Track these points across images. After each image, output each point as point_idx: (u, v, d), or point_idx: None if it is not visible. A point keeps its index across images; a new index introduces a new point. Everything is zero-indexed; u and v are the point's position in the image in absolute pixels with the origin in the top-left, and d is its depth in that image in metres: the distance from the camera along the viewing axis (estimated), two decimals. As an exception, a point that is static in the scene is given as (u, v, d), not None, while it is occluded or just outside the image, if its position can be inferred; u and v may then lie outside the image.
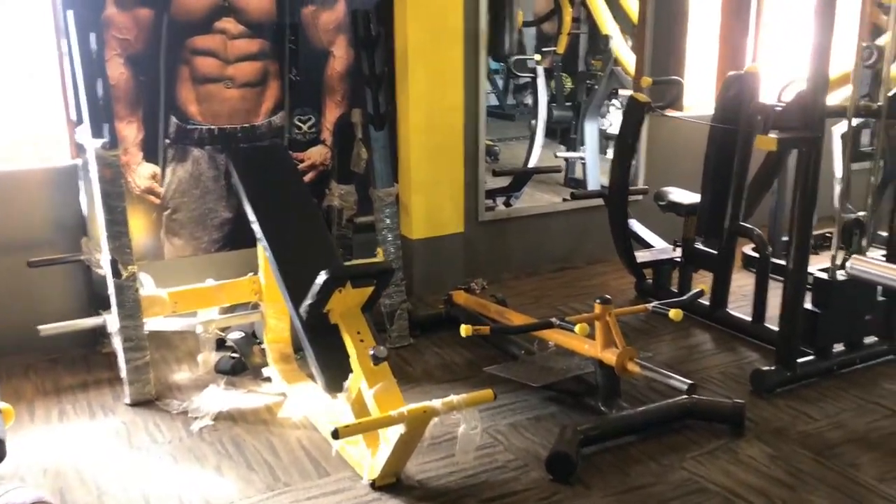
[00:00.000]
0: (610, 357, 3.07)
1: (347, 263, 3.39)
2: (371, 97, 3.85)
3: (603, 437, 2.99)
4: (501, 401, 3.28)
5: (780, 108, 3.49)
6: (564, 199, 5.32)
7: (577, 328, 2.97)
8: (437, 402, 2.58)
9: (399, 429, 2.57)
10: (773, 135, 3.26)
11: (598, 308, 3.14)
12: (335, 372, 2.86)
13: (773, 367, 3.48)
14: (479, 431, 2.64)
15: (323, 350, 2.92)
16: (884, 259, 3.73)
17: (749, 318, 4.02)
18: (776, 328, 3.63)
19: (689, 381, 2.96)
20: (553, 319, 3.13)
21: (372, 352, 2.71)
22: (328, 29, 4.15)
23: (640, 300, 4.45)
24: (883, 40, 4.49)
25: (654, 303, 3.30)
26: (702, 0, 5.19)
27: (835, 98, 3.99)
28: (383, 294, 3.74)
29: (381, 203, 3.89)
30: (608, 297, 3.17)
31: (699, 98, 5.09)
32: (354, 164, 4.00)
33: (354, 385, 2.79)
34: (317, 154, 4.25)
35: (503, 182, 5.79)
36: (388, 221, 3.90)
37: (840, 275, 3.55)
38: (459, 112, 4.41)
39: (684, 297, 3.52)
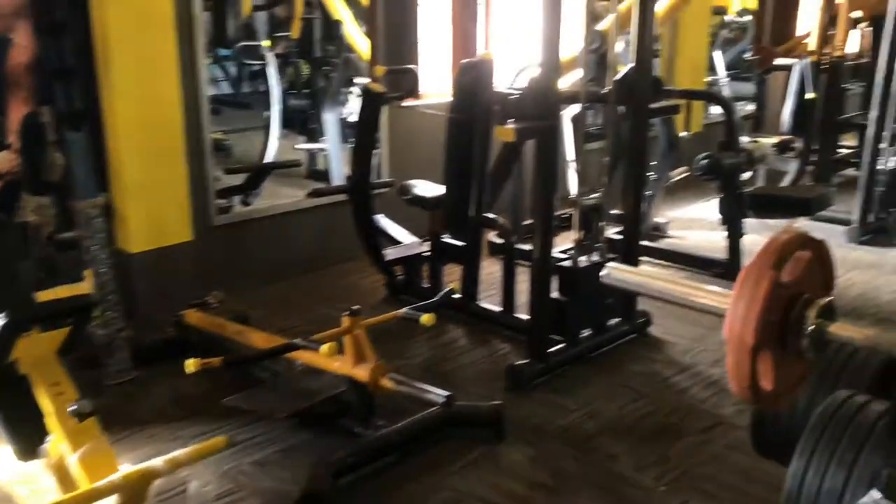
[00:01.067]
0: (362, 374, 2.81)
1: (43, 297, 2.81)
2: (63, 93, 3.26)
3: (360, 464, 2.73)
4: (244, 434, 2.91)
5: (515, 96, 3.41)
6: (308, 195, 4.98)
7: (322, 348, 2.67)
8: (158, 462, 2.17)
9: (113, 499, 2.12)
10: (510, 125, 3.15)
11: (346, 321, 2.86)
12: (27, 434, 2.34)
13: (526, 361, 3.41)
14: (213, 489, 2.26)
15: (10, 408, 2.37)
16: (620, 236, 3.83)
17: (500, 309, 3.96)
18: (526, 316, 3.58)
19: (446, 393, 2.77)
20: (297, 340, 2.81)
21: (73, 407, 2.22)
22: (4, 12, 3.46)
23: (391, 298, 4.26)
24: (604, 25, 4.61)
25: (405, 308, 3.09)
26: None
27: (565, 81, 4.01)
28: (96, 323, 3.23)
29: (86, 216, 3.32)
30: (357, 307, 2.90)
31: (438, 85, 4.97)
32: (48, 172, 3.38)
33: (55, 448, 2.29)
34: (2, 161, 3.55)
35: (240, 179, 5.34)
36: (96, 237, 3.33)
37: (582, 261, 3.56)
38: (177, 106, 3.91)
39: (435, 299, 3.35)
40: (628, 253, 3.85)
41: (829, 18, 6.68)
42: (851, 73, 6.71)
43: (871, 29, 6.60)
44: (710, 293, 1.44)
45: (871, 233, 5.37)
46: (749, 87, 8.07)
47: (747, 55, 8.08)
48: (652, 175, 5.28)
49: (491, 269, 4.40)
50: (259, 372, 3.28)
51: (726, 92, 7.33)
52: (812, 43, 6.34)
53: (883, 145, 5.35)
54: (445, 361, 3.61)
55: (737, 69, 8.19)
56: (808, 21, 7.05)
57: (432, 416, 2.91)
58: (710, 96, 6.39)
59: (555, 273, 3.53)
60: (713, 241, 4.97)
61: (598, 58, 4.52)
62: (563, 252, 3.67)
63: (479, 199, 3.92)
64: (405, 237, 4.41)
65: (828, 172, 6.37)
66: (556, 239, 3.52)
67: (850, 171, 6.36)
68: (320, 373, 3.05)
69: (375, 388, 2.82)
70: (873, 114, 5.32)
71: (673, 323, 4.00)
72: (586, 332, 3.68)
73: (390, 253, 4.26)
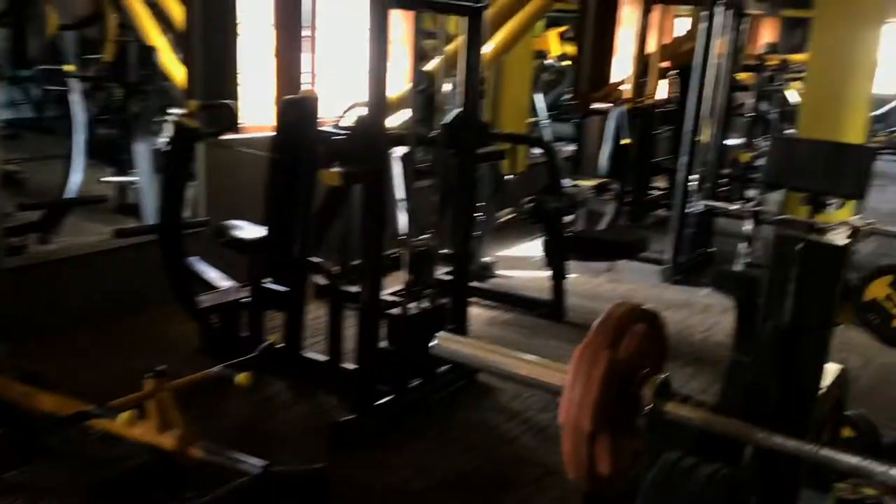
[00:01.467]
0: (168, 442, 2.53)
1: None
2: None
3: (166, 544, 2.45)
4: (29, 516, 2.54)
5: (341, 138, 3.27)
6: (116, 234, 4.56)
7: (120, 417, 2.38)
8: None
9: None
10: (336, 168, 3.00)
11: (149, 384, 2.57)
12: None
13: (352, 416, 3.24)
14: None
15: None
16: (450, 277, 3.77)
17: (326, 358, 3.77)
18: (354, 366, 3.42)
19: (262, 462, 2.54)
20: (90, 409, 2.49)
21: None
22: None
23: (206, 348, 3.95)
24: (431, 66, 4.58)
25: (219, 366, 2.84)
26: (252, 12, 4.87)
27: (394, 119, 3.93)
28: None
29: None
30: (162, 368, 2.62)
31: (262, 120, 4.75)
32: None
33: None
34: None
35: (38, 215, 4.82)
36: None
37: (411, 308, 3.45)
38: (-45, 137, 3.45)
39: (252, 355, 3.11)
40: (458, 295, 3.79)
41: (642, 67, 7.07)
42: (662, 119, 7.13)
43: (678, 77, 7.06)
44: (542, 367, 1.35)
45: (683, 272, 5.65)
46: (569, 129, 8.40)
47: (566, 98, 8.43)
48: (480, 216, 5.30)
49: (317, 314, 4.19)
50: (49, 439, 2.90)
51: (548, 133, 7.57)
52: (626, 90, 6.67)
53: (692, 187, 5.66)
54: (265, 421, 3.37)
55: (557, 111, 8.51)
56: (623, 69, 7.43)
57: (248, 485, 2.66)
58: (534, 141, 6.55)
59: (384, 319, 3.40)
60: (538, 281, 5.02)
61: (425, 98, 4.48)
62: (394, 294, 3.54)
63: (304, 240, 3.73)
64: (222, 282, 4.11)
65: (642, 214, 6.70)
66: (386, 279, 3.39)
67: (662, 212, 6.71)
68: (122, 439, 2.73)
69: (183, 458, 2.55)
70: (683, 159, 5.62)
71: (501, 368, 3.96)
72: (415, 382, 3.56)
73: (205, 299, 3.95)
